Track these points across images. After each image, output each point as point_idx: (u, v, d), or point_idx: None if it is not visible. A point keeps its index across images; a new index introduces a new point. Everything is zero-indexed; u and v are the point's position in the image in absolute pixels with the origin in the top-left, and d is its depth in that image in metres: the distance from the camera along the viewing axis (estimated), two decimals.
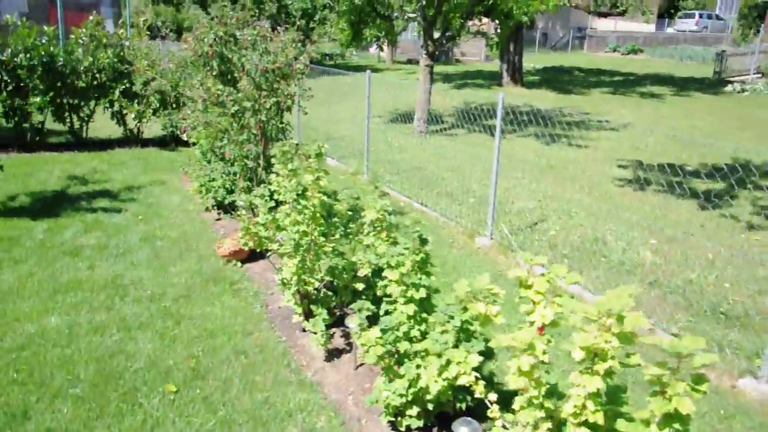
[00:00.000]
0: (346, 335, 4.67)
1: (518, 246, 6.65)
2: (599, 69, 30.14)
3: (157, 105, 10.24)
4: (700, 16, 47.08)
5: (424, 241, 3.36)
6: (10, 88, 9.90)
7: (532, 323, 2.64)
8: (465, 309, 3.19)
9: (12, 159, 9.71)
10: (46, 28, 10.20)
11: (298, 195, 3.94)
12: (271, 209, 4.54)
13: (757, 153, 11.45)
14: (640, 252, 6.60)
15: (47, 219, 6.92)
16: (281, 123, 5.60)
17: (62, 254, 5.98)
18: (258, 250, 4.88)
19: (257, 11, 23.36)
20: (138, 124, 10.89)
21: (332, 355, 4.41)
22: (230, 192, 6.96)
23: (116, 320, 4.76)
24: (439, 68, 28.20)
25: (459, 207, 8.03)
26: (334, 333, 4.65)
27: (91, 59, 10.26)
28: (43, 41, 10.09)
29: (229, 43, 5.48)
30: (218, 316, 4.89)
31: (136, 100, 10.45)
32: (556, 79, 25.56)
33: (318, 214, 4.06)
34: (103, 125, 11.59)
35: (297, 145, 4.77)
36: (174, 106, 10.31)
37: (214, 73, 5.52)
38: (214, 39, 5.40)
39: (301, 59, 5.44)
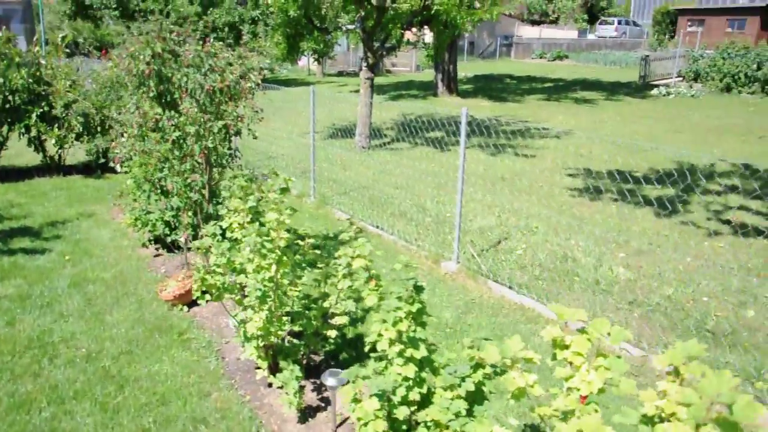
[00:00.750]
0: (318, 388, 4.13)
1: (487, 270, 6.27)
2: (529, 76, 30.62)
3: (81, 129, 9.35)
4: (619, 22, 48.89)
5: (419, 289, 2.88)
6: None
7: (572, 390, 2.20)
8: (477, 366, 2.73)
9: None
10: None
11: (261, 237, 3.39)
12: (225, 250, 3.96)
13: (697, 157, 11.60)
14: (613, 268, 6.34)
15: None
16: (229, 149, 5.01)
17: None
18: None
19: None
20: (59, 151, 9.95)
21: (306, 415, 3.85)
22: (170, 227, 6.28)
23: (46, 389, 4.04)
24: (383, 80, 27.90)
25: (416, 228, 7.60)
26: (304, 386, 4.10)
27: (0, 80, 9.29)
28: None
29: (168, 61, 4.85)
30: (168, 375, 4.25)
31: (56, 125, 9.53)
32: (489, 87, 25.71)
33: (285, 258, 3.51)
34: (18, 151, 10.59)
35: (254, 176, 4.21)
36: (99, 129, 9.46)
37: (151, 95, 4.87)
38: (152, 56, 4.76)
39: (251, 76, 4.88)
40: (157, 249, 6.61)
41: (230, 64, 4.96)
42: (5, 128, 9.63)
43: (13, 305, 5.24)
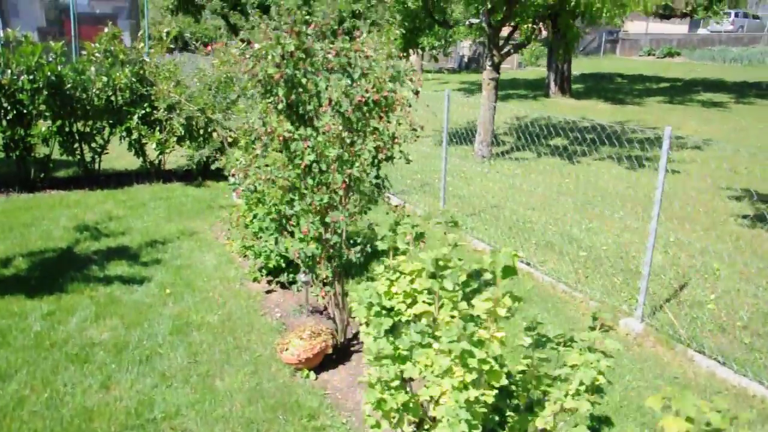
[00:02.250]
0: None
1: (687, 335, 4.87)
2: (641, 75, 28.25)
3: (182, 132, 8.56)
4: (736, 15, 44.94)
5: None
6: (10, 116, 8.30)
7: None
8: None
9: (12, 201, 8.10)
10: (52, 44, 8.59)
11: (469, 341, 2.21)
12: (388, 331, 2.83)
13: None
14: None
15: (47, 296, 5.25)
16: (377, 177, 3.88)
17: (65, 360, 4.30)
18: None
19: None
20: (159, 156, 9.23)
21: None
22: (287, 261, 5.27)
23: None
24: (471, 77, 26.48)
25: (572, 266, 6.27)
26: None
27: (105, 79, 8.63)
28: (51, 59, 8.50)
29: (302, 62, 3.78)
30: None
31: (158, 128, 8.80)
32: (601, 87, 23.72)
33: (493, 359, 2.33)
34: (120, 154, 9.96)
35: (453, 220, 3.06)
36: (202, 134, 8.64)
37: (280, 106, 3.82)
38: (282, 57, 3.70)
39: (408, 83, 3.74)
40: (269, 283, 5.62)
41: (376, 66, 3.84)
42: (107, 130, 8.99)
43: (109, 357, 4.34)
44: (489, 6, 9.95)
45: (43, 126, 8.36)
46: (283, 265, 5.33)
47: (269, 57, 3.81)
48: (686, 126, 15.17)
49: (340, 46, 3.77)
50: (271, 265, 5.40)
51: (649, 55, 39.40)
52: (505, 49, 10.32)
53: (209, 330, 4.78)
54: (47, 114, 8.42)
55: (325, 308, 4.98)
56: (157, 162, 9.32)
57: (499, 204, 8.40)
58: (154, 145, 8.87)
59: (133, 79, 8.75)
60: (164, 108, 8.17)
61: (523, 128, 13.93)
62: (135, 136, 8.89)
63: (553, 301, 5.50)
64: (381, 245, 3.18)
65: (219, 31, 8.64)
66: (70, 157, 8.98)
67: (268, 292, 5.51)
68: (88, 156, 9.07)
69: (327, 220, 3.75)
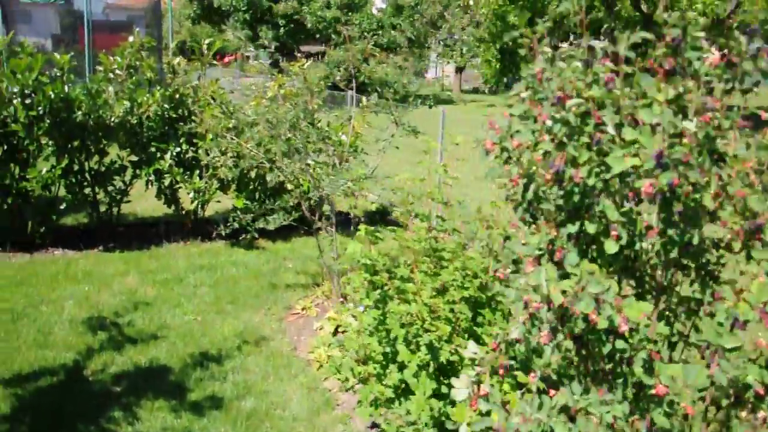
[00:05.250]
0: None
1: None
2: None
3: (232, 177, 6.38)
4: None
5: None
6: (0, 152, 6.19)
7: None
8: None
9: (3, 268, 5.97)
10: (57, 56, 6.45)
11: None
12: None
13: None
14: None
15: None
16: None
17: None
18: None
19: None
20: (197, 206, 7.04)
21: None
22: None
23: None
24: None
25: None
26: None
27: (127, 104, 6.51)
28: (56, 75, 6.40)
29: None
30: None
31: (197, 171, 6.65)
32: None
33: None
34: (138, 191, 7.75)
35: None
36: (257, 185, 6.48)
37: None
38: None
39: None
40: None
41: None
42: (129, 171, 6.83)
43: None
44: (612, 25, 7.81)
45: (43, 167, 6.24)
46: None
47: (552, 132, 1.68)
48: None
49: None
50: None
51: None
52: None
53: None
54: (50, 149, 6.31)
55: None
56: (193, 211, 7.12)
57: None
58: (191, 194, 6.71)
59: (166, 106, 6.62)
60: (211, 147, 5.96)
61: None
62: (168, 181, 6.73)
63: None
64: None
65: (241, 42, 6.92)
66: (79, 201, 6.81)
67: None
68: (103, 204, 6.91)
69: None
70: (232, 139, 5.34)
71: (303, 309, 5.17)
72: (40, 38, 18.96)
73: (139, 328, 4.86)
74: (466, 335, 3.26)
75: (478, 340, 3.27)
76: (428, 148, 3.80)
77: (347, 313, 4.68)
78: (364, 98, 5.82)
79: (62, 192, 6.64)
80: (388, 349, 3.34)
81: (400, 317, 3.26)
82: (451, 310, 3.20)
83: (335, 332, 4.77)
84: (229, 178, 6.34)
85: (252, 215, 5.34)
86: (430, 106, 5.46)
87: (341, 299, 5.09)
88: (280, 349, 4.60)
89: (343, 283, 5.12)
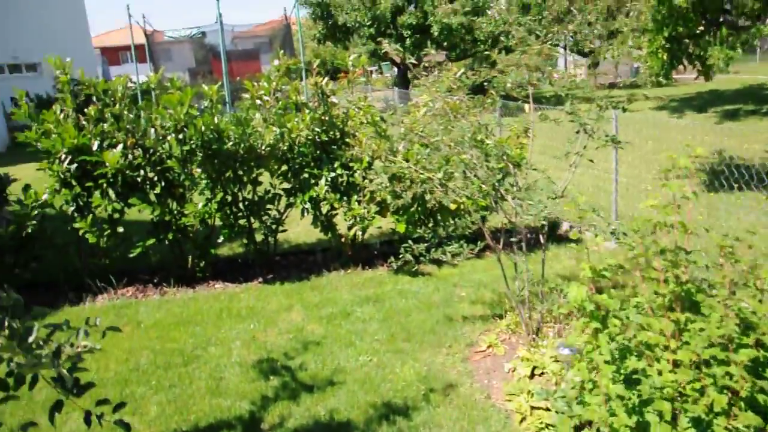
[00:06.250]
0: None
1: None
2: None
3: (388, 201, 5.91)
4: None
5: None
6: (158, 188, 6.13)
7: None
8: None
9: (168, 305, 5.89)
10: (205, 87, 6.31)
11: None
12: None
13: None
14: None
15: None
16: None
17: None
18: None
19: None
20: (356, 232, 6.64)
21: None
22: None
23: None
24: (668, 91, 22.05)
25: None
26: None
27: (276, 131, 6.26)
28: (204, 107, 6.28)
29: None
30: None
31: (354, 196, 6.26)
32: None
33: None
34: (290, 219, 7.50)
35: None
36: (418, 206, 5.96)
37: None
38: None
39: None
40: None
41: None
42: (283, 200, 6.58)
43: None
44: None
45: (200, 201, 6.11)
46: None
47: None
48: None
49: None
50: None
51: None
52: None
53: None
54: (204, 182, 6.18)
55: None
56: (351, 237, 6.72)
57: None
58: (349, 221, 6.33)
59: (317, 129, 6.30)
60: (364, 168, 5.50)
61: None
62: (325, 208, 6.39)
63: None
64: None
65: (399, 52, 6.55)
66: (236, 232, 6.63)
67: None
68: (259, 234, 6.70)
69: None
70: (401, 163, 4.83)
71: (489, 347, 4.55)
72: (179, 72, 19.97)
73: (313, 372, 4.47)
74: (745, 405, 2.50)
75: (760, 412, 2.50)
76: (673, 165, 2.99)
77: (548, 355, 4.02)
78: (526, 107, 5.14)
79: (218, 223, 6.51)
80: (633, 419, 2.64)
81: (651, 380, 2.56)
82: (727, 374, 2.45)
83: (531, 375, 4.13)
84: (399, 205, 5.82)
85: (426, 244, 4.79)
86: (624, 110, 4.67)
87: (532, 335, 4.42)
88: (471, 397, 4.00)
89: (536, 317, 4.47)
